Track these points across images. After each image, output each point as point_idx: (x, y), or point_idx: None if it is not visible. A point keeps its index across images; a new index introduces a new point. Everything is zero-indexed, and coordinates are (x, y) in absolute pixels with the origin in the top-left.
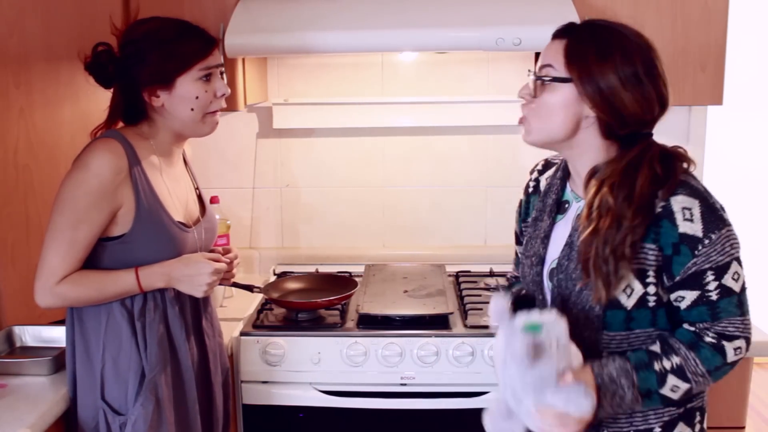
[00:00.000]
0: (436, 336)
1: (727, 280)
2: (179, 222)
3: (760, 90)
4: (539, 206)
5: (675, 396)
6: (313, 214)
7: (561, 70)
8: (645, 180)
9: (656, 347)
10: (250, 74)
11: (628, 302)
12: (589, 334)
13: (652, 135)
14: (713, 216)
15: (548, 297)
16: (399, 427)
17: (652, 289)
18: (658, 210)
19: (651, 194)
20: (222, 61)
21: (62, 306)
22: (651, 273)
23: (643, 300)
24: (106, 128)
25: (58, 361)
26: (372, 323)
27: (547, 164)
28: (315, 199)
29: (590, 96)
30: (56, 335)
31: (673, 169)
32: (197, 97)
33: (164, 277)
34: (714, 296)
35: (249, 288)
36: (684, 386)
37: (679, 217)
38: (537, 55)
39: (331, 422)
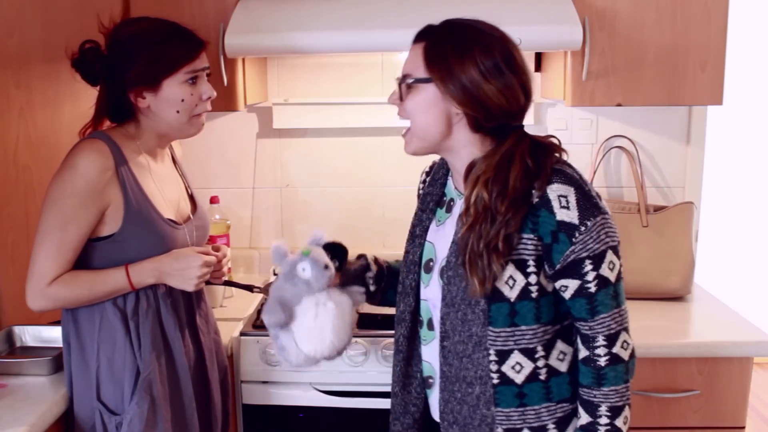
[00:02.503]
0: None
1: (604, 270)
2: (169, 219)
3: (760, 90)
4: (420, 206)
5: (625, 427)
6: (312, 214)
7: (422, 72)
8: (517, 174)
9: (583, 418)
10: (250, 74)
11: (511, 294)
12: (476, 330)
13: (522, 127)
14: (588, 203)
15: (425, 297)
16: None
17: (533, 279)
18: (536, 200)
19: (525, 187)
20: (208, 64)
21: (54, 308)
22: (531, 262)
23: (525, 291)
24: (92, 127)
25: (57, 361)
26: (372, 323)
27: (433, 166)
28: (315, 199)
29: (453, 93)
30: (56, 335)
31: (544, 161)
32: (183, 100)
33: (154, 273)
34: (592, 288)
35: (249, 288)
36: (627, 412)
37: (556, 204)
38: (537, 55)
39: (331, 422)
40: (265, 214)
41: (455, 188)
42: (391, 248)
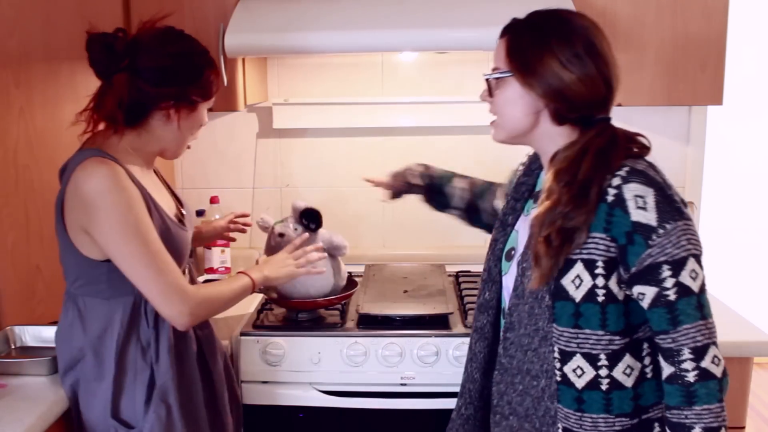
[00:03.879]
0: (436, 336)
1: (685, 278)
2: (179, 223)
3: (760, 90)
4: (513, 195)
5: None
6: None
7: (504, 67)
8: (587, 167)
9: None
10: (250, 74)
11: (577, 293)
12: (542, 325)
13: (609, 119)
14: (669, 206)
15: (505, 286)
16: (399, 427)
17: (600, 282)
18: (611, 198)
19: (594, 183)
20: None
21: (207, 316)
22: (600, 264)
23: (591, 293)
24: (94, 121)
25: (57, 362)
26: (372, 323)
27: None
28: (315, 199)
29: (533, 85)
30: None
31: (619, 157)
32: (201, 125)
33: (265, 271)
34: (672, 296)
35: None
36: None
37: (631, 204)
38: None
39: (331, 422)
40: (264, 214)
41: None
42: (391, 248)
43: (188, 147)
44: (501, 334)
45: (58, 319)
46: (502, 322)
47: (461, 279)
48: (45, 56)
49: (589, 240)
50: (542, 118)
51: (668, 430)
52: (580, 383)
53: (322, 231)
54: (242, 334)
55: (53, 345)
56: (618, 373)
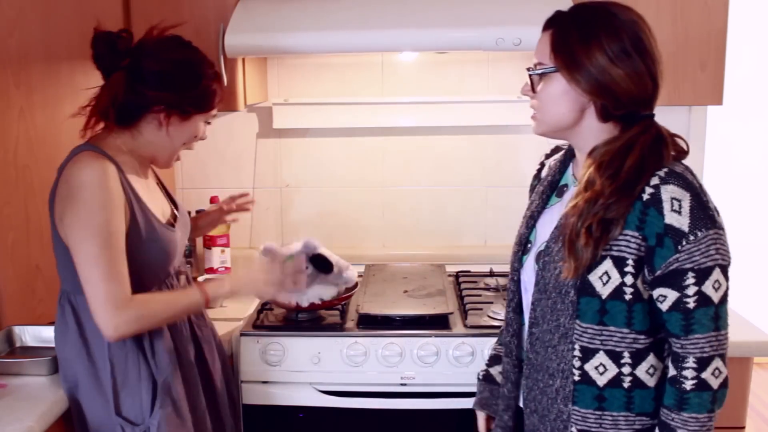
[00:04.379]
0: (436, 336)
1: (707, 288)
2: (166, 223)
3: (760, 90)
4: (537, 189)
5: None
6: (312, 214)
7: (549, 61)
8: (633, 162)
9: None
10: (250, 74)
11: (604, 290)
12: (564, 321)
13: (653, 116)
14: (703, 213)
15: (524, 282)
16: (399, 427)
17: (629, 280)
18: (647, 197)
19: (636, 179)
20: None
21: (135, 333)
22: (630, 262)
23: (619, 290)
24: (91, 123)
25: (57, 362)
26: (372, 323)
27: (557, 149)
28: (315, 199)
29: (579, 81)
30: None
31: (662, 157)
32: (195, 136)
33: (227, 285)
34: (691, 304)
35: None
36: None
37: (667, 206)
38: None
39: (331, 422)
40: (265, 214)
41: (573, 174)
42: (391, 248)
43: (177, 159)
44: (526, 329)
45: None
46: (525, 318)
47: (461, 279)
48: (45, 56)
49: (621, 237)
50: (587, 114)
51: (657, 425)
52: (602, 380)
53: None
54: (242, 334)
55: (53, 345)
56: (641, 372)
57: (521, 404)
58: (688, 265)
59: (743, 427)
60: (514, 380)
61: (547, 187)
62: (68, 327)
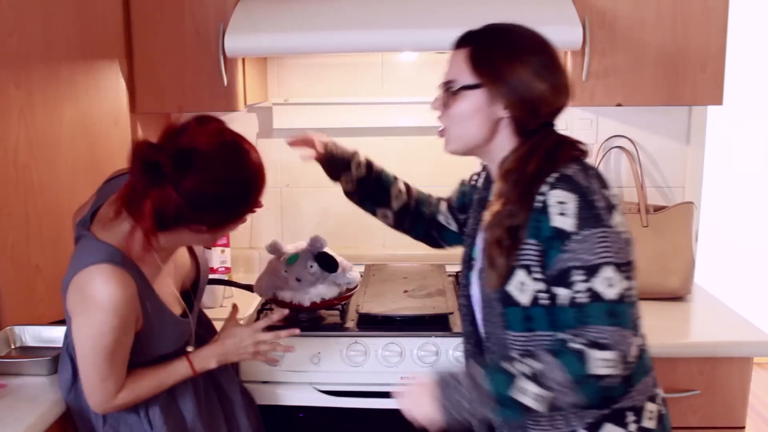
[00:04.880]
0: (436, 336)
1: (597, 284)
2: (179, 316)
3: (760, 90)
4: (474, 209)
5: (537, 405)
6: (312, 214)
7: (468, 78)
8: (534, 167)
9: (516, 353)
10: (250, 74)
11: (522, 298)
12: (499, 332)
13: (553, 125)
14: (589, 213)
15: (474, 297)
16: (399, 427)
17: (542, 286)
18: (538, 205)
19: (535, 182)
20: None
21: (122, 408)
22: (537, 269)
23: (536, 297)
24: (118, 214)
25: (57, 361)
26: (372, 323)
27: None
28: (315, 199)
29: (504, 96)
30: (56, 335)
31: (556, 163)
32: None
33: (215, 357)
34: (583, 299)
35: (249, 288)
36: (545, 394)
37: (553, 210)
38: None
39: (331, 422)
40: (265, 214)
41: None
42: (391, 248)
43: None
44: (483, 342)
45: (58, 318)
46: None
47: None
48: (45, 56)
49: (525, 246)
50: (500, 130)
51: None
52: None
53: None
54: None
55: (53, 345)
56: None
57: None
58: (574, 264)
59: (743, 427)
60: None
61: (477, 205)
62: (69, 374)
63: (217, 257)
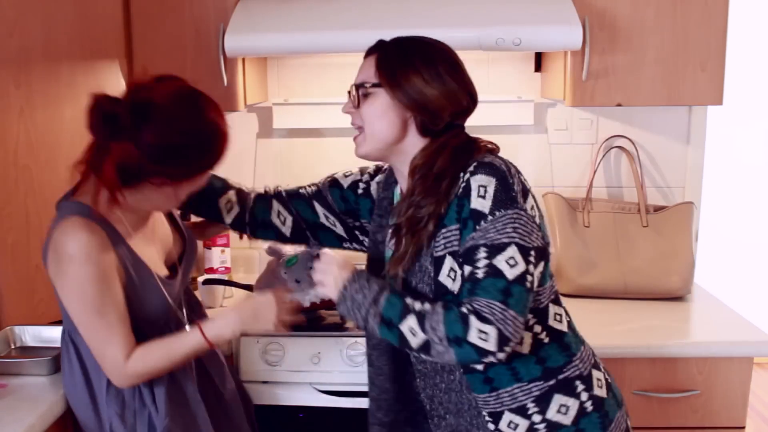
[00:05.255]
0: None
1: (499, 262)
2: (165, 276)
3: (760, 90)
4: (378, 212)
5: (413, 342)
6: None
7: (374, 80)
8: (444, 161)
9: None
10: (250, 74)
11: (455, 286)
12: None
13: (462, 126)
14: (505, 195)
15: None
16: None
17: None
18: (460, 191)
19: (447, 172)
20: None
21: (139, 380)
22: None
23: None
24: (88, 175)
25: (57, 361)
26: None
27: (378, 170)
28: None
29: (400, 98)
30: (56, 335)
31: (472, 154)
32: (201, 186)
33: (230, 326)
34: (480, 274)
35: (249, 288)
36: (421, 335)
37: (474, 194)
38: (537, 55)
39: (331, 422)
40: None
41: (401, 191)
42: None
43: None
44: None
45: (58, 318)
46: None
47: None
48: (45, 56)
49: (448, 233)
50: (409, 130)
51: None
52: (480, 366)
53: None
54: (242, 334)
55: (53, 345)
56: None
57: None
58: (481, 242)
59: (743, 427)
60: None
61: (386, 208)
62: (72, 363)
63: (217, 257)
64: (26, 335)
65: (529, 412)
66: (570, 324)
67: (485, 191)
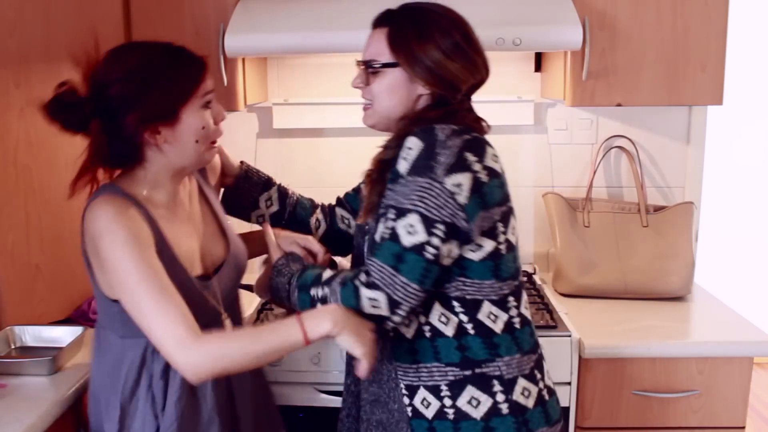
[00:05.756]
0: None
1: (399, 227)
2: (198, 276)
3: (760, 90)
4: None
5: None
6: None
7: (387, 57)
8: (417, 112)
9: (325, 275)
10: (250, 74)
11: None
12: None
13: (470, 100)
14: (425, 163)
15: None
16: None
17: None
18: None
19: (409, 125)
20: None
21: (214, 366)
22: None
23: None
24: (84, 177)
25: (57, 361)
26: None
27: None
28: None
29: (420, 75)
30: (56, 335)
31: (451, 118)
32: (203, 127)
33: (330, 318)
34: (381, 236)
35: (249, 288)
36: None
37: (402, 153)
38: (537, 55)
39: (331, 422)
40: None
41: None
42: None
43: (212, 152)
44: None
45: (58, 318)
46: None
47: None
48: (45, 56)
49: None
50: (420, 103)
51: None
52: (409, 333)
53: None
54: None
55: (53, 345)
56: (434, 320)
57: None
58: (390, 202)
59: (743, 427)
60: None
61: None
62: (95, 361)
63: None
64: (26, 335)
65: (442, 394)
66: (512, 330)
67: (408, 154)
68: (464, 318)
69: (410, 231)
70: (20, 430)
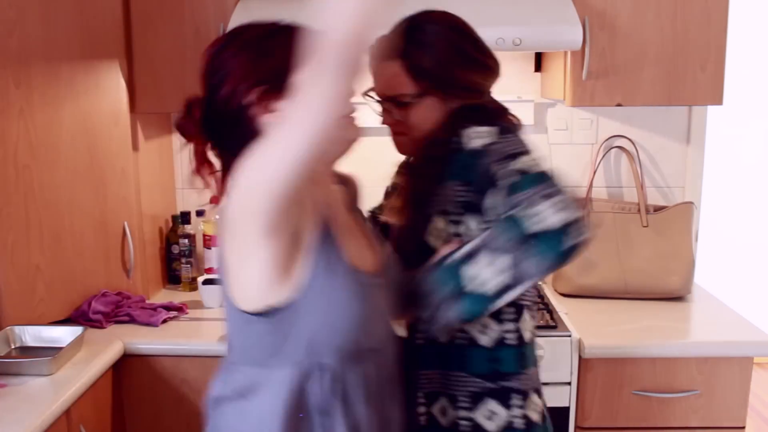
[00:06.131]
0: None
1: (517, 164)
2: (365, 271)
3: (760, 90)
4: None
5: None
6: None
7: (413, 88)
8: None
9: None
10: None
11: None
12: None
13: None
14: (504, 127)
15: None
16: None
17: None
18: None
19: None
20: None
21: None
22: None
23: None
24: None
25: (57, 361)
26: None
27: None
28: None
29: (452, 94)
30: (56, 335)
31: (492, 118)
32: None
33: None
34: (510, 181)
35: None
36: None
37: (466, 140)
38: (537, 55)
39: None
40: None
41: None
42: None
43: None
44: None
45: (57, 318)
46: None
47: None
48: (45, 56)
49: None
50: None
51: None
52: (444, 338)
53: None
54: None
55: (53, 345)
56: (473, 329)
57: None
58: (507, 167)
59: (743, 427)
60: None
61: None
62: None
63: (218, 257)
64: (26, 335)
65: (459, 404)
66: (532, 341)
67: (478, 133)
68: (510, 326)
69: (531, 163)
70: (20, 430)
